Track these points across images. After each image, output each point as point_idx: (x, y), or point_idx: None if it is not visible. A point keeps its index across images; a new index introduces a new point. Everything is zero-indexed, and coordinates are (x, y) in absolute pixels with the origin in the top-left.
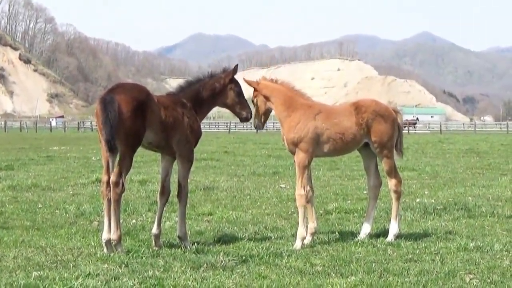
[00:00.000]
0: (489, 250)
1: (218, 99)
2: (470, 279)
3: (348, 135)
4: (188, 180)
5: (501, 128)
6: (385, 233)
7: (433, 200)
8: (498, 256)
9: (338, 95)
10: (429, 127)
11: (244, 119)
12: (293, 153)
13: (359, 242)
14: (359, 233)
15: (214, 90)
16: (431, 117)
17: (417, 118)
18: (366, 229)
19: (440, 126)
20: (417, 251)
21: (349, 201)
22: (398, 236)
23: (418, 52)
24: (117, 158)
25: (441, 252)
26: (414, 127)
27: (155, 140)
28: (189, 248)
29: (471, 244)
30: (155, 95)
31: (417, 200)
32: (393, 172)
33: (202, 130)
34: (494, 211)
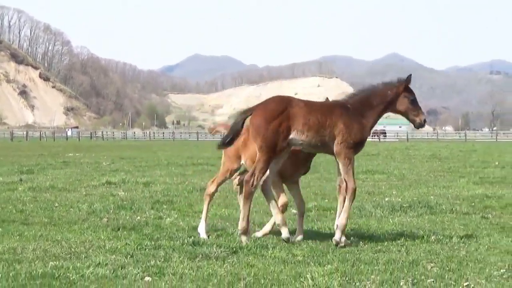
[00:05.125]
0: (448, 242)
1: (390, 105)
2: (431, 267)
3: None
4: (351, 177)
5: (460, 137)
6: (358, 229)
7: (400, 199)
8: (455, 248)
9: None
10: (397, 136)
11: (418, 125)
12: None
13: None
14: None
15: (386, 97)
16: (399, 127)
17: (385, 132)
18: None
19: (407, 135)
20: (386, 243)
21: (326, 200)
22: (369, 231)
23: (388, 71)
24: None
25: (406, 244)
26: (384, 136)
27: (305, 141)
28: (341, 241)
29: (433, 237)
30: (305, 101)
31: (386, 199)
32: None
33: (366, 134)
34: (453, 208)
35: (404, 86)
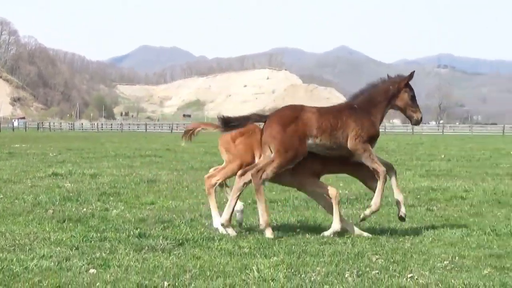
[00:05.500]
0: (393, 234)
1: (392, 100)
2: (376, 259)
3: None
4: (377, 163)
5: (407, 130)
6: (304, 221)
7: (346, 191)
8: (400, 240)
9: (267, 101)
10: None
11: (415, 122)
12: None
13: (281, 227)
14: None
15: (388, 92)
16: None
17: None
18: None
19: None
20: (331, 235)
21: (274, 192)
22: (316, 223)
23: (337, 64)
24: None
25: (352, 236)
26: None
27: (319, 145)
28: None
29: (378, 229)
30: (317, 107)
31: None
32: None
33: (377, 129)
34: None
35: (405, 82)
